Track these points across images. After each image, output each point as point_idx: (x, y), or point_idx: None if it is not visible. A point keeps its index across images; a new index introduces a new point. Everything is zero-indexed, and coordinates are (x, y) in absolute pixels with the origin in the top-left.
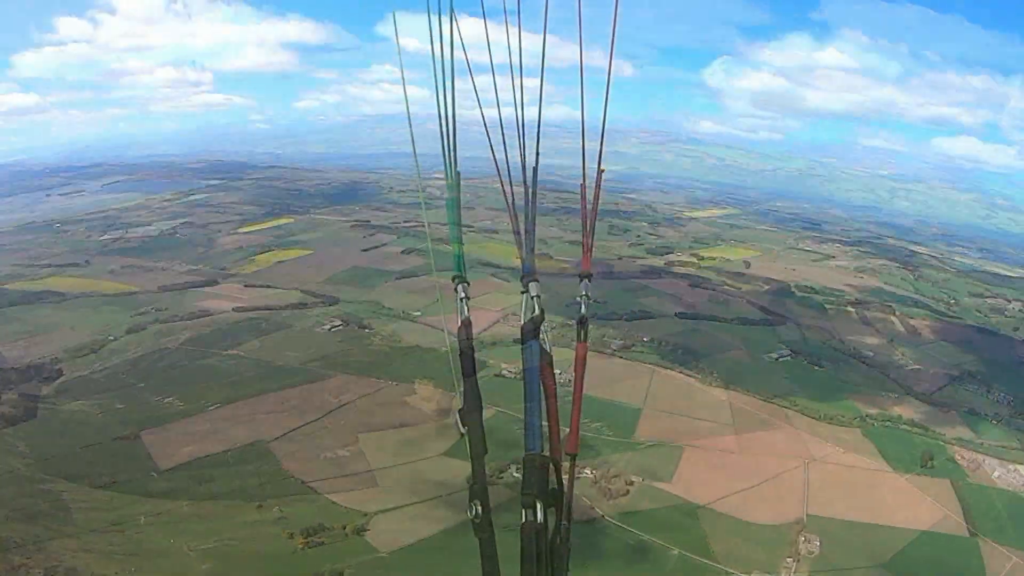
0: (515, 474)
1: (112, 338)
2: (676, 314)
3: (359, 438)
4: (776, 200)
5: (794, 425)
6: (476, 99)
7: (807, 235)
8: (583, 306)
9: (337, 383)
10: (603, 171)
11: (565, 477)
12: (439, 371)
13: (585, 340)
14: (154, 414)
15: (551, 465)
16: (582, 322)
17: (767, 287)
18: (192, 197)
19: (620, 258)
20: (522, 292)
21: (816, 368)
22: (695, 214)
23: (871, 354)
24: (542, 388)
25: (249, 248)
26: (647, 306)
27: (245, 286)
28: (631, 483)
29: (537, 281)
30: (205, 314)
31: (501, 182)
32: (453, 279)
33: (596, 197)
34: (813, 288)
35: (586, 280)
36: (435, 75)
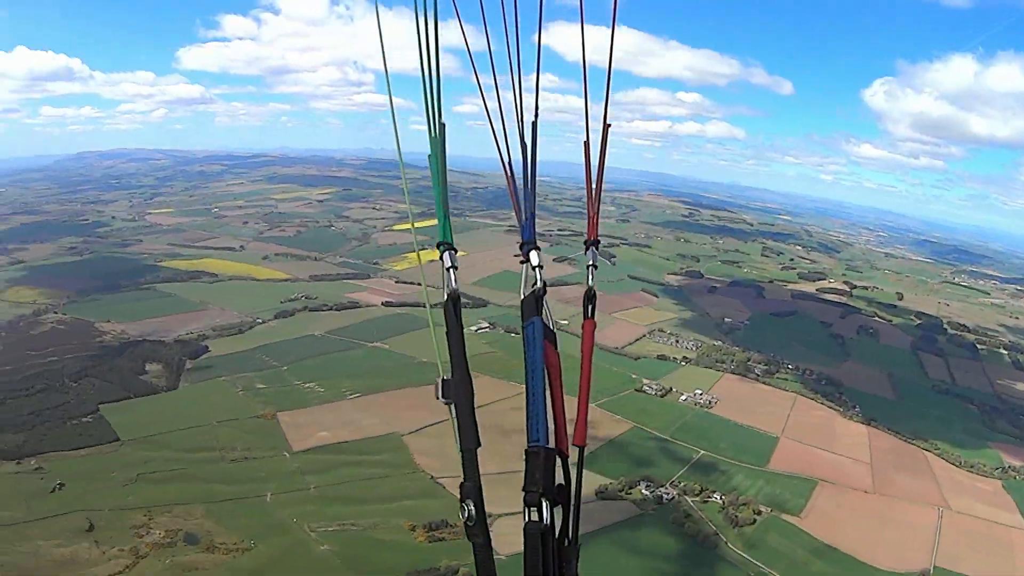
0: (644, 491)
1: (260, 321)
2: (822, 343)
3: (491, 440)
4: (934, 231)
5: (933, 469)
6: (466, 46)
7: (964, 269)
8: (590, 277)
9: (479, 384)
10: (609, 126)
11: (573, 471)
12: (578, 384)
13: (592, 316)
14: (293, 397)
15: (557, 459)
16: (590, 296)
17: (918, 321)
18: (350, 192)
19: (771, 281)
20: (522, 262)
21: (961, 411)
22: (850, 240)
23: (1021, 401)
24: (547, 373)
25: (402, 246)
26: (793, 333)
27: (397, 282)
28: (759, 512)
29: (539, 249)
30: (354, 305)
31: (495, 139)
32: (438, 246)
33: (602, 156)
34: (965, 326)
35: (593, 248)
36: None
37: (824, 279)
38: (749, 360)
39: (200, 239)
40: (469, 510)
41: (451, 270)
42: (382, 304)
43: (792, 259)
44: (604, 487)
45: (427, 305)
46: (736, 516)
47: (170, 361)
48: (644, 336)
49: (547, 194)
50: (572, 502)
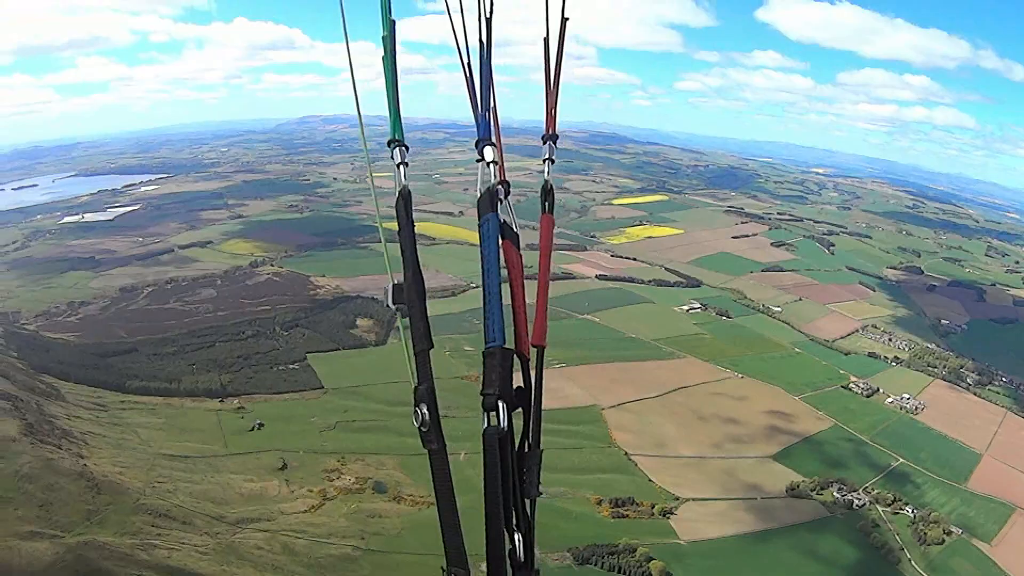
0: (835, 494)
1: (474, 285)
2: None
3: (688, 423)
4: None
5: None
6: None
7: None
8: (547, 171)
9: (682, 364)
10: (567, 20)
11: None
12: (788, 375)
13: (550, 212)
14: None
15: (516, 360)
16: (547, 191)
17: None
18: (571, 164)
19: (994, 284)
20: (477, 160)
21: None
22: None
23: None
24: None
25: (621, 220)
26: (1013, 343)
27: (612, 256)
28: (949, 533)
29: (494, 145)
30: (569, 277)
31: (452, 25)
32: (389, 143)
33: (559, 52)
34: None
35: (551, 143)
36: None
37: None
38: (962, 367)
39: (420, 203)
40: (423, 415)
41: (401, 166)
42: (596, 277)
43: (1018, 261)
44: (796, 484)
45: (379, 226)
46: (924, 534)
47: (380, 318)
48: (857, 331)
49: (769, 176)
50: (532, 405)
